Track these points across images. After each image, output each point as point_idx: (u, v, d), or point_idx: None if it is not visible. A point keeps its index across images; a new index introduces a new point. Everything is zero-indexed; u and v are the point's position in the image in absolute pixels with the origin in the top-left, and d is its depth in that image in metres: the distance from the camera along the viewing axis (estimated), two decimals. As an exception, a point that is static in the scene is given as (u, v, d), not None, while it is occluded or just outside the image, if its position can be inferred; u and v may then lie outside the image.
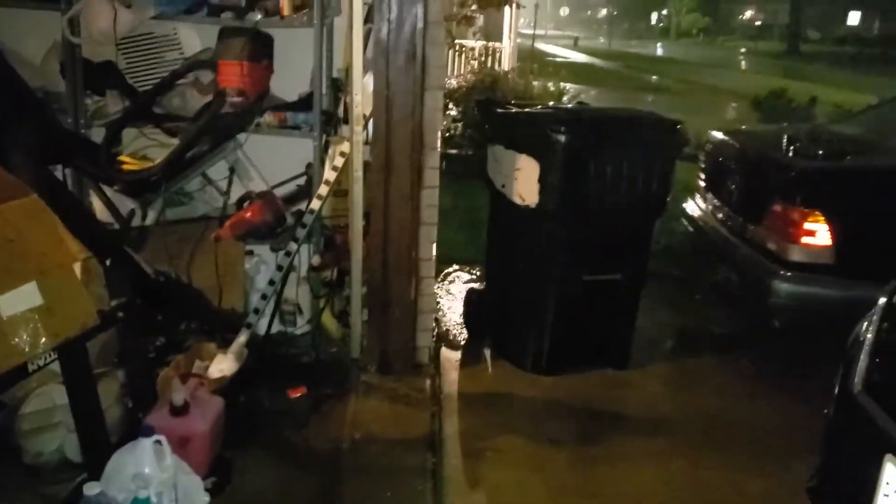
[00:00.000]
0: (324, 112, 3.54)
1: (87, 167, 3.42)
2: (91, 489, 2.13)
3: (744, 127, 7.89)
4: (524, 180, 3.67)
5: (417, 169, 3.42)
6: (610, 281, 3.81)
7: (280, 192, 3.76)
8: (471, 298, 4.37)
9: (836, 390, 2.36)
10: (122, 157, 3.47)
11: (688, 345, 4.42)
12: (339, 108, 3.64)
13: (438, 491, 2.90)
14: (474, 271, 5.24)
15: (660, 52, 42.49)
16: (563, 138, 3.50)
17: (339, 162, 3.44)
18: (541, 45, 29.70)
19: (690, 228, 5.03)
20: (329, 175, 3.46)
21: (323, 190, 3.46)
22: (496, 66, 11.44)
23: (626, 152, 3.60)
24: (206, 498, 2.51)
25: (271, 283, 3.49)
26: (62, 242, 2.29)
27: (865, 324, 2.38)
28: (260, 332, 3.55)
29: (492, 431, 3.35)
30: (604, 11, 65.68)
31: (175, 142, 3.42)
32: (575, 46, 40.17)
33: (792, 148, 4.21)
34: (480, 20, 10.62)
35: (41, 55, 3.67)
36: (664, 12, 59.65)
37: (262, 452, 3.00)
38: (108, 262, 2.69)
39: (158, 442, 2.38)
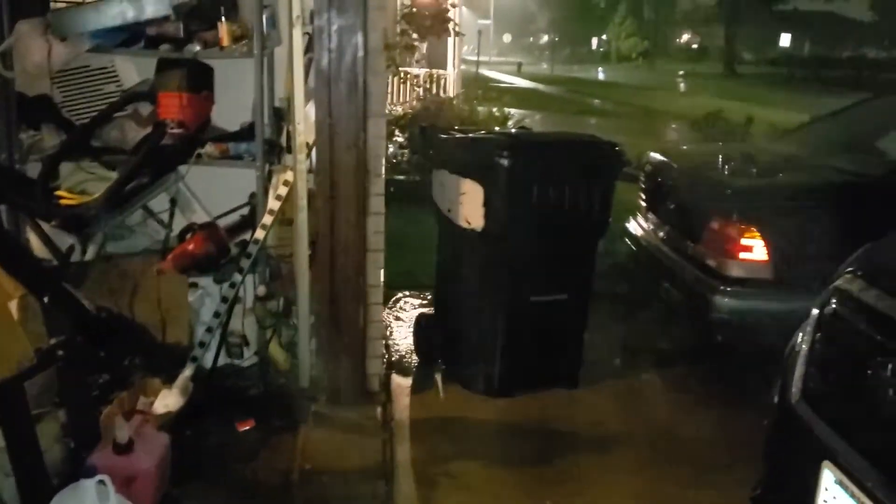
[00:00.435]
0: (266, 141, 3.53)
1: (23, 203, 3.34)
2: (31, 533, 2.07)
3: (684, 147, 8.08)
4: (469, 204, 3.71)
5: (363, 196, 3.43)
6: (557, 301, 3.86)
7: (223, 222, 3.72)
8: (420, 324, 4.38)
9: (775, 401, 2.43)
10: (60, 192, 3.40)
11: (635, 362, 4.48)
12: (282, 137, 3.63)
13: (392, 519, 2.89)
14: (424, 297, 5.24)
15: (601, 76, 43.35)
16: (505, 162, 3.56)
17: (283, 191, 3.43)
18: (485, 72, 30.11)
19: (634, 248, 5.11)
20: (273, 204, 3.44)
21: (267, 219, 3.44)
22: (441, 93, 11.56)
23: (568, 175, 3.67)
24: (153, 537, 2.46)
25: (216, 315, 3.45)
26: (-3, 281, 2.24)
27: (801, 335, 2.46)
28: (206, 365, 3.50)
29: (445, 456, 3.34)
30: (546, 37, 66.82)
31: (114, 175, 3.37)
32: (518, 72, 40.76)
33: (727, 166, 4.33)
34: (424, 48, 10.73)
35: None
36: (604, 37, 60.96)
37: (211, 488, 2.95)
38: (45, 300, 2.63)
39: (102, 482, 2.33)
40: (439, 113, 9.04)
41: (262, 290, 3.57)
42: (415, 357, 4.32)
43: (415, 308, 5.06)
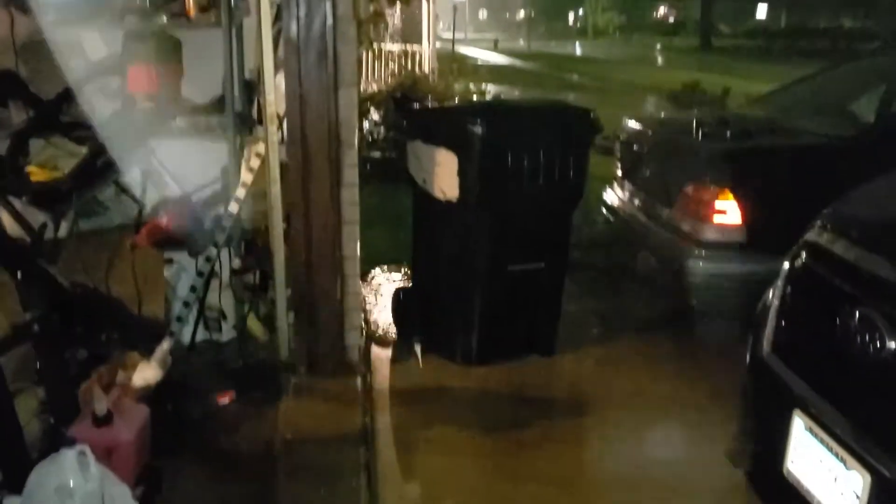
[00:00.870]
0: (237, 114, 3.50)
1: (-7, 180, 3.31)
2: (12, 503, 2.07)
3: (660, 115, 8.10)
4: (444, 175, 3.70)
5: (336, 167, 3.42)
6: (534, 270, 3.87)
7: (197, 196, 3.70)
8: (399, 296, 4.38)
9: (748, 356, 2.46)
10: (30, 168, 3.37)
11: (612, 329, 4.52)
12: (253, 109, 3.61)
13: (373, 484, 2.91)
14: (402, 271, 5.25)
15: (578, 51, 43.26)
16: (479, 130, 3.55)
17: (255, 163, 3.42)
18: (461, 49, 29.91)
19: (611, 217, 5.14)
20: (245, 177, 3.43)
21: (240, 192, 3.42)
22: (416, 69, 11.50)
23: (542, 142, 3.67)
24: (135, 507, 2.46)
25: (193, 289, 3.44)
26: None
27: (772, 290, 2.49)
28: (184, 340, 3.49)
29: (424, 423, 3.38)
30: (522, 13, 66.56)
31: (84, 150, 3.34)
32: (495, 49, 40.58)
33: (700, 131, 4.35)
34: (397, 19, 10.64)
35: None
36: (581, 12, 60.81)
37: (193, 459, 2.95)
38: (18, 276, 2.62)
39: (82, 453, 2.33)
40: (415, 89, 9.00)
41: (237, 263, 3.56)
42: (394, 329, 4.33)
43: (394, 283, 5.07)
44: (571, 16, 63.37)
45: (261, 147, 3.42)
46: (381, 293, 4.91)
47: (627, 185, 4.96)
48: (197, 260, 3.52)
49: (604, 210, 5.23)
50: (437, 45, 14.97)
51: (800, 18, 44.27)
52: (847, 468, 1.90)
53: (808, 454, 2.04)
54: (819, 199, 2.67)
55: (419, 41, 12.57)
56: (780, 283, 2.40)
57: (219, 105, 3.51)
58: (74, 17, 3.37)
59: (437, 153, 3.72)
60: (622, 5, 54.97)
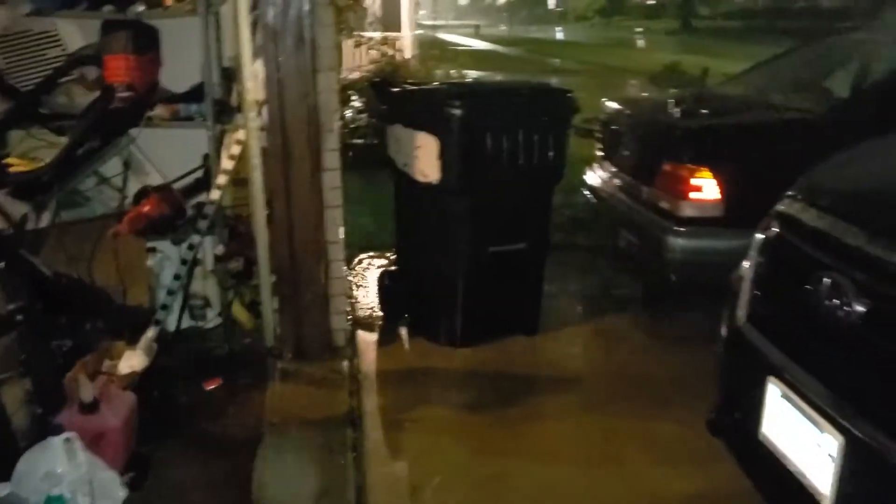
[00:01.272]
0: (217, 101, 3.51)
1: (-28, 172, 3.31)
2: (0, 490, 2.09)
3: (640, 95, 8.13)
4: (425, 157, 3.73)
5: (316, 152, 3.43)
6: (516, 251, 3.91)
7: (178, 185, 3.71)
8: (384, 280, 4.41)
9: (724, 326, 2.51)
10: (10, 160, 3.36)
11: (593, 308, 4.57)
12: (233, 96, 3.61)
13: (361, 463, 2.94)
14: (387, 256, 5.27)
15: (559, 35, 43.23)
16: (458, 112, 3.57)
17: (236, 150, 3.42)
18: (442, 35, 29.86)
19: (592, 198, 5.18)
20: (226, 164, 3.44)
21: (221, 179, 3.43)
22: (397, 56, 11.46)
23: (521, 122, 3.70)
24: (124, 493, 2.49)
25: (177, 277, 3.45)
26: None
27: (746, 261, 2.53)
28: (169, 328, 3.51)
29: (411, 404, 3.41)
30: (502, -1, 66.44)
31: (64, 141, 3.34)
32: (476, 34, 40.49)
33: (678, 109, 4.39)
34: (377, 6, 10.61)
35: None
36: (561, -3, 60.73)
37: (181, 445, 2.98)
38: (1, 266, 2.63)
39: (69, 440, 2.35)
40: (395, 75, 8.99)
41: (220, 249, 3.58)
42: (380, 313, 4.36)
43: (378, 268, 5.09)
44: (552, 0, 63.23)
45: (241, 134, 3.43)
46: (366, 277, 4.93)
47: (608, 165, 4.99)
48: (180, 248, 3.53)
49: (585, 191, 5.27)
50: (419, 32, 14.91)
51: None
52: (821, 431, 1.94)
53: (783, 419, 2.08)
54: (796, 173, 2.71)
55: (399, 29, 12.53)
56: (752, 253, 2.44)
57: (198, 93, 3.52)
58: (51, 7, 3.36)
59: (417, 136, 3.74)
60: (602, -12, 54.84)
